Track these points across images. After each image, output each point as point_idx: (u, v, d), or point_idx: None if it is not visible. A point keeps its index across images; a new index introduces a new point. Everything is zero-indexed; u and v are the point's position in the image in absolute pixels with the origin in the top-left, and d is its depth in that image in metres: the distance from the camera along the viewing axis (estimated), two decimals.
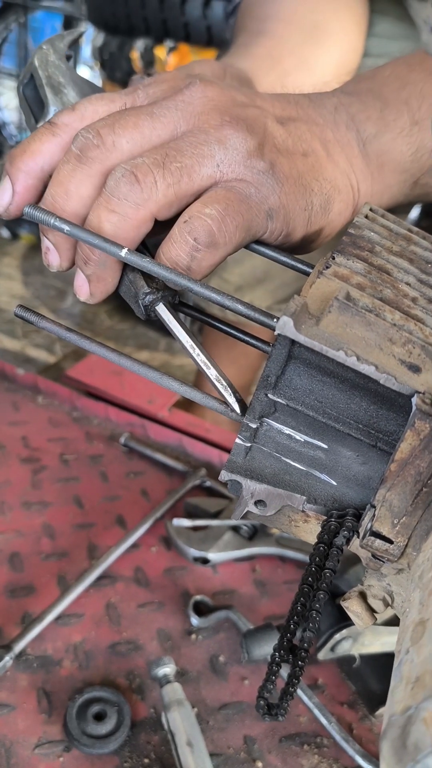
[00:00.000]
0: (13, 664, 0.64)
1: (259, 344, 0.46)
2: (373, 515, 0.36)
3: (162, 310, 0.43)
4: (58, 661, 0.66)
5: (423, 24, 0.25)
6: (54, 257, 0.45)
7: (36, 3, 2.78)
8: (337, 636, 0.64)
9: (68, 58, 0.53)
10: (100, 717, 0.61)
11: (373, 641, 0.66)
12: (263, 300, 1.16)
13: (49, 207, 0.43)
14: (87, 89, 0.51)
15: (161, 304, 0.43)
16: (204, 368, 0.41)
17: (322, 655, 0.66)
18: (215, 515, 0.81)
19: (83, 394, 1.02)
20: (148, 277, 0.44)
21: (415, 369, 0.34)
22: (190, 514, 0.82)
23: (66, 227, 0.41)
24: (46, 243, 0.45)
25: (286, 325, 0.35)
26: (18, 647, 0.64)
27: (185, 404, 1.09)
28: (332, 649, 0.66)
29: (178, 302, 0.45)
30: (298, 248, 0.49)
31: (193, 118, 0.44)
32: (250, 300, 1.15)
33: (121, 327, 2.00)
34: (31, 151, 0.44)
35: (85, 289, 0.45)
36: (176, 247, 0.42)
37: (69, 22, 2.82)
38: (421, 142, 0.53)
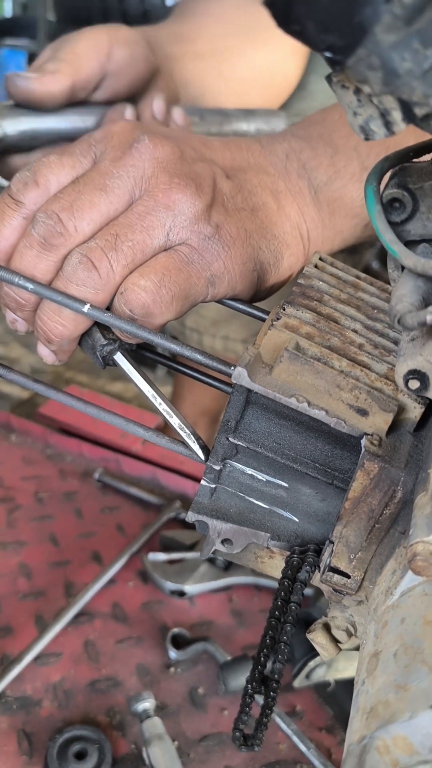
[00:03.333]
0: None
1: (222, 386, 0.48)
2: (331, 551, 0.38)
3: (120, 359, 0.44)
4: (37, 702, 0.66)
5: (347, 108, 0.28)
6: (22, 325, 0.48)
7: (1, 41, 2.82)
8: (311, 663, 0.66)
9: None
10: (81, 756, 0.61)
11: (347, 666, 0.67)
12: (239, 333, 1.18)
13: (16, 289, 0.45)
14: None
15: (119, 353, 0.45)
16: (167, 417, 0.43)
17: (297, 683, 0.67)
18: (191, 547, 0.82)
19: (57, 431, 1.03)
20: (104, 328, 0.45)
21: (363, 412, 0.36)
22: (166, 547, 0.83)
23: (30, 285, 0.43)
24: (12, 316, 0.47)
25: (241, 375, 0.37)
26: None
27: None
28: (307, 676, 0.67)
29: (135, 349, 0.47)
30: (249, 301, 0.50)
31: (144, 182, 0.45)
32: (227, 333, 1.18)
33: None
34: (3, 236, 0.45)
35: (51, 358, 0.48)
36: (117, 315, 0.44)
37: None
38: None
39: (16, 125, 0.63)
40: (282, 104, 0.98)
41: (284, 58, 0.90)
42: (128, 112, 0.68)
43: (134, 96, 0.72)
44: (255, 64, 0.86)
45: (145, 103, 0.70)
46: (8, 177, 0.66)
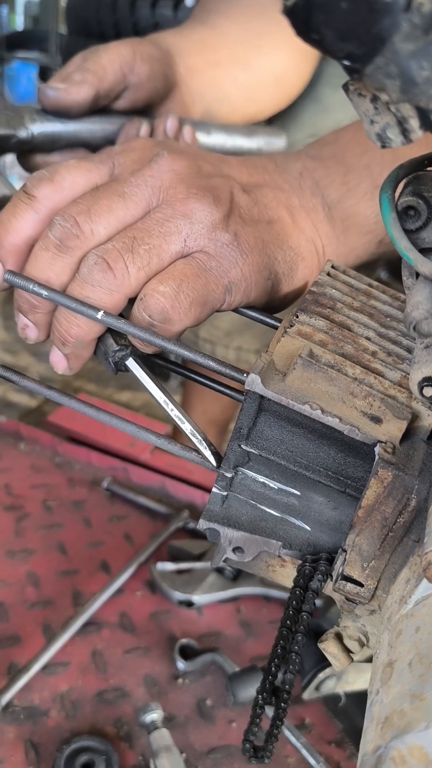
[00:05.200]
0: (0, 717, 0.64)
1: (233, 394, 0.48)
2: (344, 560, 0.37)
3: (132, 365, 0.45)
4: (45, 712, 0.66)
5: (363, 116, 0.28)
6: (33, 332, 0.47)
7: (11, 54, 2.85)
8: (321, 675, 0.65)
9: None
10: (88, 767, 0.61)
11: (357, 678, 0.67)
12: (252, 344, 1.19)
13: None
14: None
15: (131, 358, 0.45)
16: (179, 423, 0.43)
17: (307, 695, 0.67)
18: (199, 557, 0.82)
19: (65, 440, 1.03)
20: (117, 335, 0.46)
21: (377, 420, 0.36)
22: (174, 557, 0.83)
23: (44, 292, 0.43)
24: (24, 321, 0.47)
25: (254, 382, 0.37)
26: (4, 699, 0.64)
27: None
28: (317, 688, 0.66)
29: (148, 356, 0.47)
30: (263, 310, 0.51)
31: (162, 193, 0.46)
32: (240, 344, 1.19)
33: (103, 368, 2.02)
34: (14, 229, 0.46)
35: (63, 364, 0.47)
36: (136, 322, 0.44)
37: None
38: None
39: (43, 128, 0.69)
40: (295, 115, 0.99)
41: (296, 58, 0.91)
42: (144, 127, 0.73)
43: (151, 106, 0.76)
44: (268, 66, 0.88)
45: (160, 120, 0.75)
46: (31, 173, 0.72)
